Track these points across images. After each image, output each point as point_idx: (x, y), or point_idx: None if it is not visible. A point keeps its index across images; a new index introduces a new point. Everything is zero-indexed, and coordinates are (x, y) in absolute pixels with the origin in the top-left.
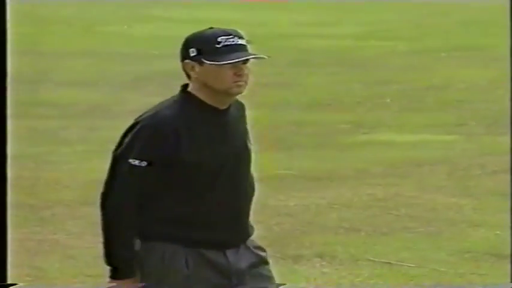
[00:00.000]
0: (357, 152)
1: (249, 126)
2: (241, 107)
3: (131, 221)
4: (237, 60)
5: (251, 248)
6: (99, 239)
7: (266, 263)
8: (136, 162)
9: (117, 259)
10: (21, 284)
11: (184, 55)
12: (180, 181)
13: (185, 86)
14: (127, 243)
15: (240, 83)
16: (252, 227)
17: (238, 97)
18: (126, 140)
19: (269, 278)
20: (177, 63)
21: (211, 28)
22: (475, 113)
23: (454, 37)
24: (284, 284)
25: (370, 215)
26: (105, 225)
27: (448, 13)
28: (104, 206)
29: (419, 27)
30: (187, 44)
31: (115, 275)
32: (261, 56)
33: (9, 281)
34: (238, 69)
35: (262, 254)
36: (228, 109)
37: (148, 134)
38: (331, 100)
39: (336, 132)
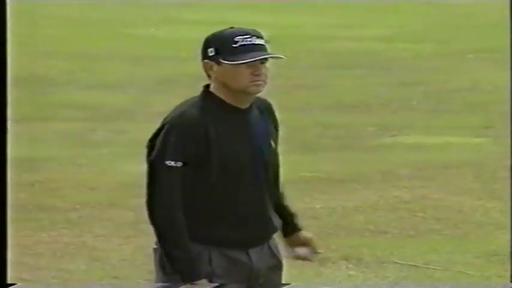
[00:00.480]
0: (383, 154)
1: (275, 126)
2: (266, 107)
3: (181, 222)
4: (252, 59)
5: (273, 249)
6: (126, 241)
7: (281, 268)
8: (172, 163)
9: (179, 263)
10: (20, 284)
11: (204, 55)
12: (205, 180)
13: (207, 86)
14: (184, 245)
15: (257, 83)
16: (278, 220)
17: (267, 97)
18: (158, 143)
19: (277, 285)
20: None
21: (231, 28)
22: (502, 116)
23: (481, 39)
24: (288, 284)
25: (397, 218)
26: (158, 232)
27: (475, 14)
28: (152, 213)
29: (447, 29)
30: (207, 43)
31: (183, 279)
32: (278, 55)
33: (12, 281)
34: (255, 69)
35: (281, 258)
36: (249, 108)
37: (179, 134)
38: (358, 102)
39: (362, 134)
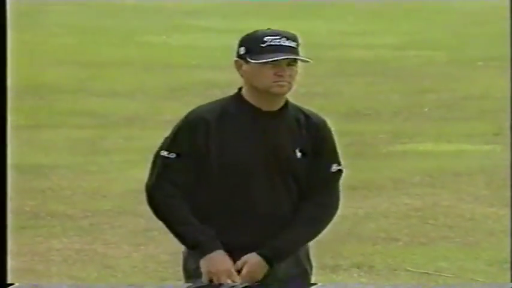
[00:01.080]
0: (395, 161)
1: (313, 142)
2: (309, 121)
3: (179, 203)
4: (273, 59)
5: (300, 257)
6: (137, 248)
7: (305, 277)
8: (165, 153)
9: (189, 237)
10: (18, 284)
11: (237, 53)
12: (210, 178)
13: (241, 88)
14: (187, 219)
15: (281, 83)
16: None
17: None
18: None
19: None
20: (215, 74)
21: (268, 29)
22: None
23: (491, 47)
24: (315, 284)
25: (408, 225)
26: (158, 215)
27: (487, 22)
28: (148, 199)
29: (458, 37)
30: (240, 42)
31: (201, 251)
32: (302, 58)
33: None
34: (279, 70)
35: (306, 266)
36: (277, 113)
37: (180, 128)
38: (369, 110)
39: (374, 142)
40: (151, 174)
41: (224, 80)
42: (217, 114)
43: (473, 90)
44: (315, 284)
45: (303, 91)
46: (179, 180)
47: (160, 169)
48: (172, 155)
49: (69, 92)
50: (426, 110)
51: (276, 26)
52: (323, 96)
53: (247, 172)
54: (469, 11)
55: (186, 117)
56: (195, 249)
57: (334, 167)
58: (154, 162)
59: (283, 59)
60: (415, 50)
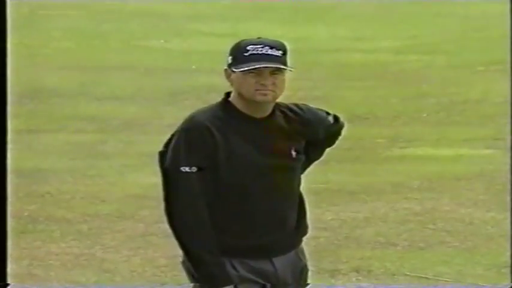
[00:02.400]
0: (394, 166)
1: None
2: (299, 116)
3: (207, 225)
4: (249, 68)
5: (299, 254)
6: (136, 252)
7: (307, 272)
8: (187, 168)
9: (209, 267)
10: (14, 284)
11: (226, 62)
12: (217, 187)
13: (228, 93)
14: (213, 248)
15: (263, 92)
16: (306, 227)
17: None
18: (170, 150)
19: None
20: (214, 78)
21: (258, 38)
22: None
23: (491, 51)
24: (308, 284)
25: (407, 230)
26: (182, 238)
27: (487, 27)
28: (174, 220)
29: (458, 41)
30: (229, 52)
31: (214, 283)
32: (281, 66)
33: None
34: (261, 78)
35: (306, 261)
36: (268, 118)
37: (189, 139)
38: (368, 114)
39: (373, 146)
40: (174, 193)
41: (223, 85)
42: (215, 123)
43: (473, 95)
44: (308, 284)
45: (302, 95)
46: (203, 192)
47: (184, 186)
48: (194, 169)
49: (69, 96)
50: (425, 114)
51: (276, 30)
52: (322, 100)
53: (254, 181)
54: (469, 16)
55: (188, 128)
56: (210, 280)
57: (331, 118)
58: (171, 179)
59: (261, 67)
60: (415, 54)
